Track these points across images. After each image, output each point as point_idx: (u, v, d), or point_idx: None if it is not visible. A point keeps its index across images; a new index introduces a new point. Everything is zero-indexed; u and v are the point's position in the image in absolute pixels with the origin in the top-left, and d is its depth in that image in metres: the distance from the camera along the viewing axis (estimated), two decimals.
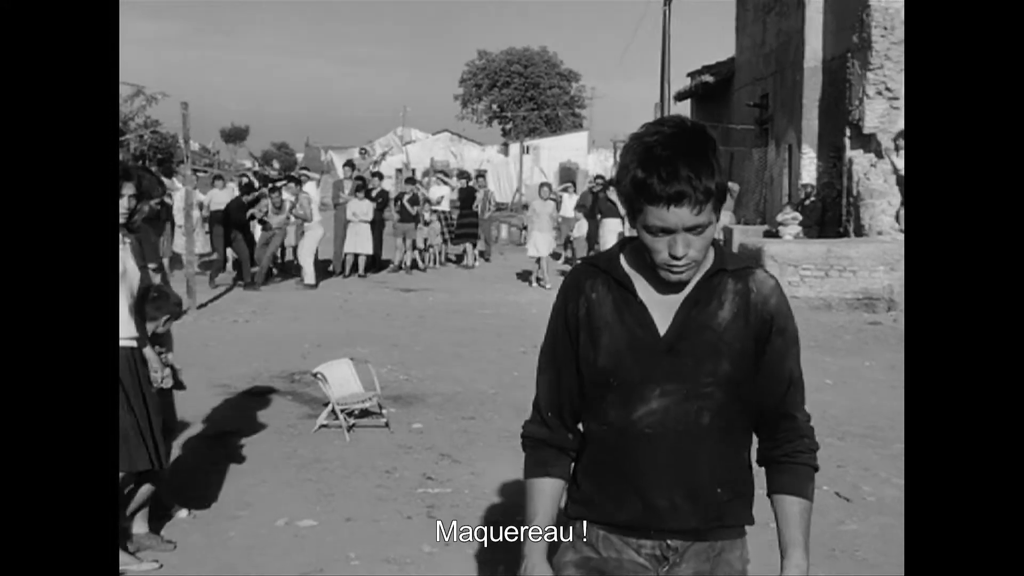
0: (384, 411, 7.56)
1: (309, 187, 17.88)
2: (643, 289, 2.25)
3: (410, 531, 5.35)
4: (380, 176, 20.67)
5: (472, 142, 52.16)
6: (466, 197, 21.02)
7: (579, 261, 2.49)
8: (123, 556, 4.59)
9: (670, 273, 2.16)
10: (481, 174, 24.20)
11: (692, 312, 2.22)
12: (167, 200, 16.88)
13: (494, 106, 63.70)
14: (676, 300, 2.24)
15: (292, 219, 16.68)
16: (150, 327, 5.01)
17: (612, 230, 16.55)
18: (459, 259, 20.95)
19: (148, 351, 4.75)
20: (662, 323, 2.22)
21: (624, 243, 2.34)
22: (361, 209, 17.79)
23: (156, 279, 5.52)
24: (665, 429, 2.20)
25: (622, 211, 2.49)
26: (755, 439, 2.38)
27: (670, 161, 2.03)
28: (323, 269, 17.67)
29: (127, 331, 4.51)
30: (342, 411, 7.19)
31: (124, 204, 4.50)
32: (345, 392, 7.36)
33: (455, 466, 6.60)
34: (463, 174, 24.28)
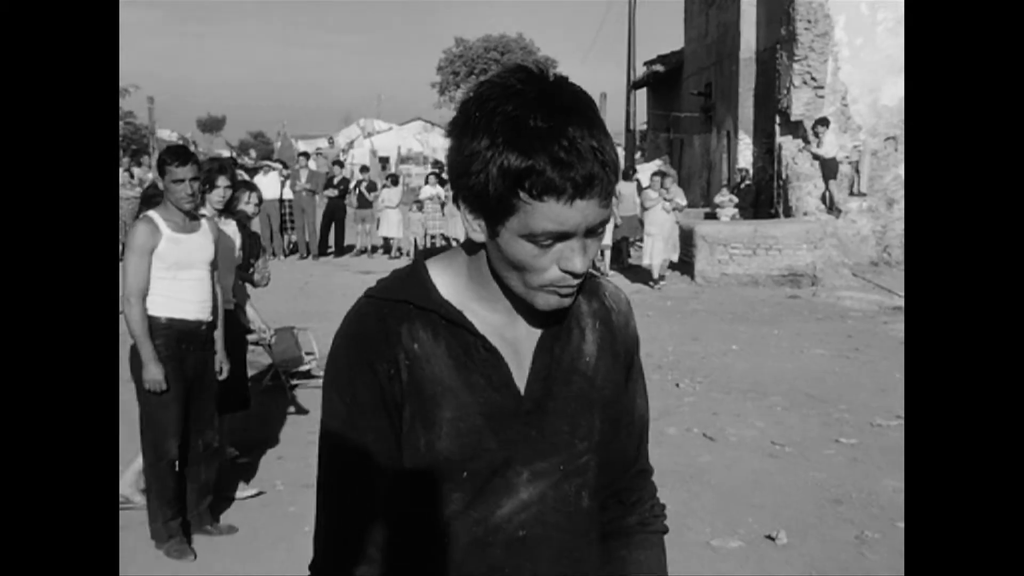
0: (321, 373, 8.56)
1: (271, 178, 18.75)
2: (483, 327, 1.54)
3: None
4: (341, 164, 21.59)
5: (442, 128, 52.90)
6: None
7: (364, 295, 1.59)
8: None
9: (556, 297, 1.48)
10: None
11: (554, 353, 1.57)
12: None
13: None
14: (527, 336, 1.57)
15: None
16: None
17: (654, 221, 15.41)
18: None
19: (251, 311, 5.80)
20: (517, 375, 1.55)
21: (424, 256, 1.62)
22: (390, 198, 19.27)
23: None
24: (545, 526, 1.55)
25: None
26: None
27: (561, 132, 1.34)
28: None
29: (228, 298, 5.56)
30: (283, 373, 8.17)
31: (220, 193, 5.51)
32: (287, 356, 8.35)
33: None
34: (437, 164, 24.94)
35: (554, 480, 1.55)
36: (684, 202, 15.94)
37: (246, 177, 18.05)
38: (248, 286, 6.34)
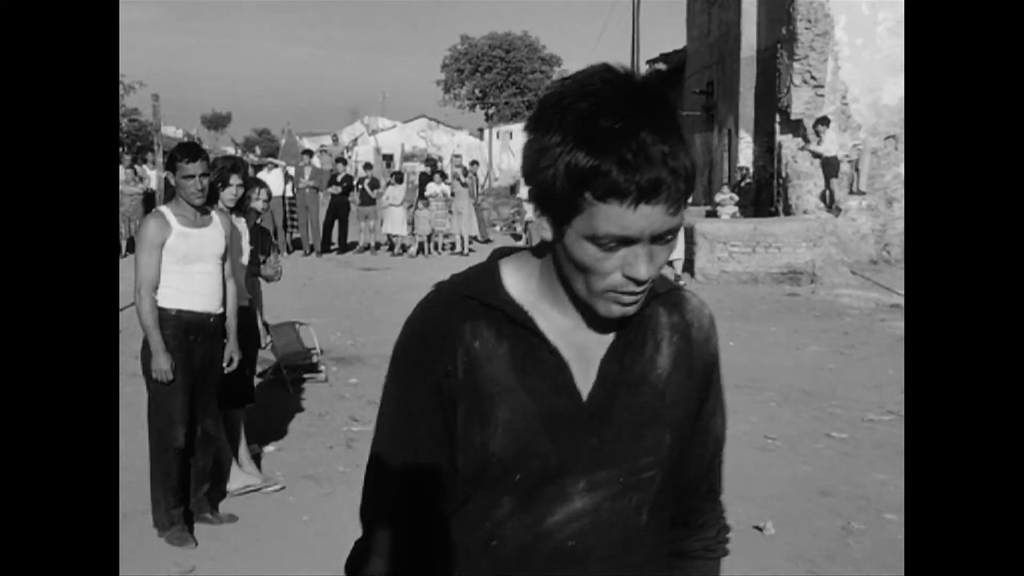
0: (322, 367, 8.69)
1: (274, 175, 18.91)
2: (550, 330, 1.51)
3: (330, 457, 6.49)
4: (344, 162, 21.72)
5: (446, 126, 53.02)
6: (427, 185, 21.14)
7: (436, 286, 1.58)
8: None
9: (618, 305, 1.44)
10: (475, 161, 25.14)
11: (624, 361, 1.52)
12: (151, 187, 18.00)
13: (476, 91, 64.25)
14: (597, 343, 1.52)
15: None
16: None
17: None
18: (452, 247, 20.99)
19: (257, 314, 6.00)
20: (582, 380, 1.50)
21: (500, 255, 1.58)
22: (394, 195, 19.44)
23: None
24: (596, 539, 1.51)
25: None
26: None
27: (631, 134, 1.31)
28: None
29: (243, 294, 5.70)
30: (285, 367, 8.30)
31: (232, 192, 5.64)
32: (289, 351, 8.48)
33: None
34: (429, 161, 25.05)
35: (612, 492, 1.51)
36: (688, 199, 15.94)
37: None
38: (261, 281, 6.46)
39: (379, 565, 1.55)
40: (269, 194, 6.56)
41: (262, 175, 18.41)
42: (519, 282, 1.53)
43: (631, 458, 1.51)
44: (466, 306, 1.51)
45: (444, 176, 21.23)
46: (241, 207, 5.88)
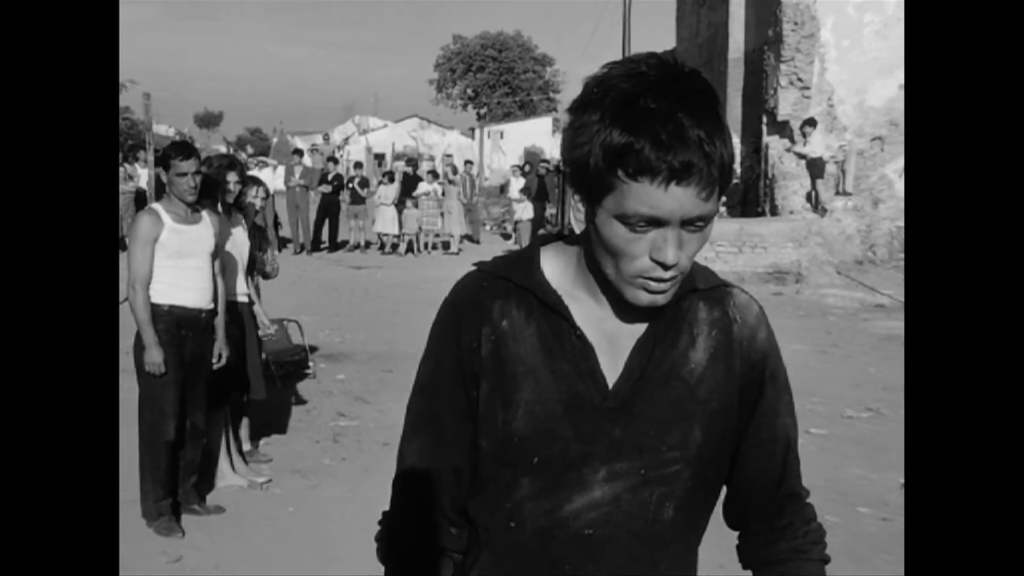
0: (311, 364, 8.80)
1: (264, 175, 19.00)
2: (581, 317, 1.51)
3: (316, 451, 6.60)
4: (335, 161, 21.83)
5: (438, 126, 53.14)
6: (410, 185, 21.11)
7: (474, 266, 1.62)
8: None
9: (645, 292, 1.43)
10: (469, 160, 25.21)
11: (655, 353, 1.51)
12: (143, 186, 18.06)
13: (469, 91, 64.35)
14: (629, 334, 1.52)
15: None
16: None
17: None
18: (445, 246, 21.06)
19: (257, 308, 6.08)
20: (609, 369, 1.50)
21: (541, 242, 1.60)
22: (385, 194, 19.65)
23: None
24: (615, 529, 1.50)
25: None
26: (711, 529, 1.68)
27: (669, 116, 1.32)
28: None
29: (242, 289, 5.84)
30: (273, 363, 8.40)
31: (229, 189, 5.76)
32: (277, 348, 8.58)
33: (365, 406, 7.85)
34: (411, 162, 25.17)
35: (632, 484, 1.49)
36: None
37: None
38: (260, 279, 6.57)
39: (404, 538, 1.61)
40: (267, 191, 6.68)
41: (258, 173, 18.57)
42: (556, 268, 1.54)
43: (655, 451, 1.49)
44: (499, 286, 1.53)
45: (436, 175, 21.32)
46: (238, 204, 5.98)
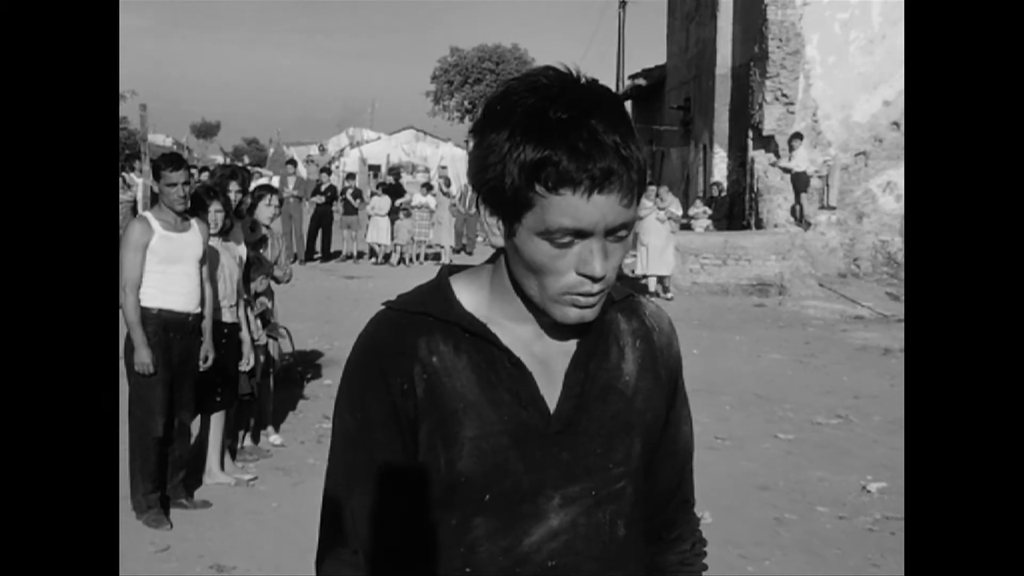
0: (299, 369, 9.08)
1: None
2: (510, 341, 1.47)
3: (301, 451, 6.88)
4: (329, 172, 22.14)
5: (434, 138, 53.42)
6: (392, 195, 21.24)
7: (383, 306, 1.53)
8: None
9: (574, 308, 1.39)
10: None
11: (589, 369, 1.48)
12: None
13: (466, 102, 64.62)
14: (560, 352, 1.48)
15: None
16: (252, 286, 6.53)
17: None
18: (437, 257, 21.26)
19: (244, 335, 6.20)
20: (548, 392, 1.46)
21: (448, 272, 1.55)
22: (379, 205, 20.03)
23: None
24: (576, 556, 1.46)
25: None
26: None
27: (582, 124, 1.30)
28: None
29: (233, 299, 6.03)
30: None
31: (231, 197, 6.06)
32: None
33: None
34: (392, 170, 25.31)
35: (586, 506, 1.45)
36: (679, 211, 16.12)
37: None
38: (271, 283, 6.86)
39: None
40: (280, 200, 6.97)
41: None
42: (472, 295, 1.48)
43: (603, 469, 1.46)
44: (419, 322, 1.45)
45: (429, 187, 21.62)
46: (240, 213, 6.27)
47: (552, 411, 1.45)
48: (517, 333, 1.47)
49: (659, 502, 1.60)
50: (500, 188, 1.34)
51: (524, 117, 1.31)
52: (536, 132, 1.30)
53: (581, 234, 1.33)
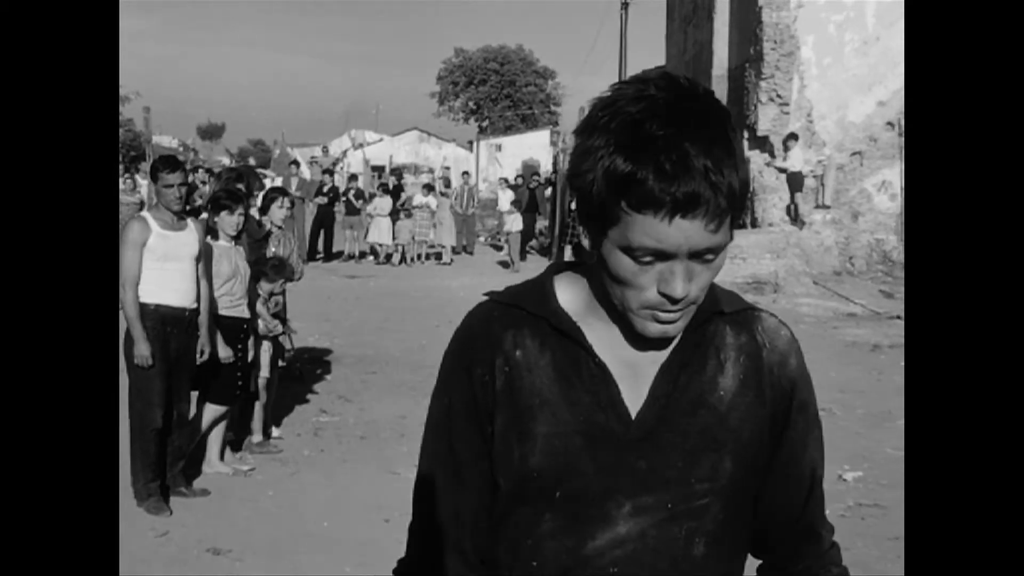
0: (298, 366, 9.32)
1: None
2: (599, 344, 1.45)
3: (298, 443, 7.12)
4: (331, 173, 22.39)
5: (438, 139, 53.65)
6: (393, 195, 21.73)
7: (485, 296, 1.54)
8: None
9: (655, 323, 1.38)
10: (467, 172, 25.73)
11: (680, 381, 1.45)
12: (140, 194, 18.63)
13: (471, 103, 64.69)
14: (650, 360, 1.46)
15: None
16: (269, 287, 6.78)
17: None
18: (438, 257, 21.61)
19: (261, 308, 6.55)
20: (632, 399, 1.43)
21: (556, 270, 1.55)
22: (382, 205, 20.36)
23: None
24: (641, 568, 1.42)
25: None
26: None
27: (674, 144, 1.25)
28: None
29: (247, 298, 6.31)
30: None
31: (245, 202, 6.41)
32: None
33: (347, 404, 8.36)
34: (395, 171, 25.59)
35: (659, 519, 1.41)
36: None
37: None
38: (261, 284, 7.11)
39: None
40: (292, 202, 7.22)
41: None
42: (571, 294, 1.48)
43: (683, 484, 1.41)
44: (511, 315, 1.47)
45: (431, 188, 21.88)
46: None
47: (633, 417, 1.42)
48: (608, 336, 1.45)
49: (780, 532, 1.54)
50: (589, 196, 1.32)
51: (621, 128, 1.28)
52: (628, 146, 1.27)
53: (663, 256, 1.30)
